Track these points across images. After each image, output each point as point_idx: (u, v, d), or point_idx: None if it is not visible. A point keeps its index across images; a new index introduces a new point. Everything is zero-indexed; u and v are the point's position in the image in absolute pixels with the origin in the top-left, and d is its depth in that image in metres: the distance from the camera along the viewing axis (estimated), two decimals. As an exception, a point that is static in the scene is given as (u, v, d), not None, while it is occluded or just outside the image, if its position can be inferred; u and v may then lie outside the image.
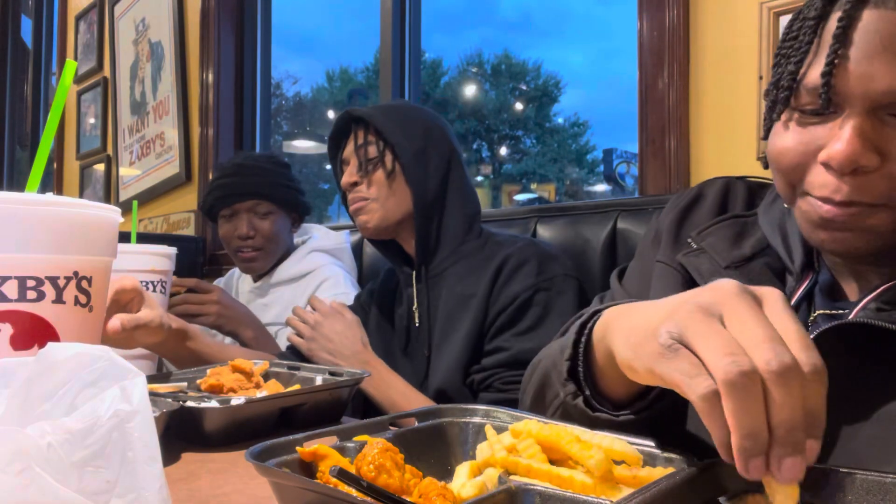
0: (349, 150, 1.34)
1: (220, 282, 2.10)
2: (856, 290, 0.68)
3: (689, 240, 0.77)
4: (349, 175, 1.32)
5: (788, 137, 0.64)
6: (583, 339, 0.64)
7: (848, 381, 0.61)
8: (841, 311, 0.66)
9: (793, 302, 0.69)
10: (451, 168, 1.31)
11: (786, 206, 0.72)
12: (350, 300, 1.66)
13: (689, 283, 0.77)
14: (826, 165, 0.60)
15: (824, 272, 0.70)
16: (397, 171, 1.29)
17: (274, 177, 1.84)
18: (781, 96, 0.64)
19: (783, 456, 0.42)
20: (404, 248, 1.38)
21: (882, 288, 0.63)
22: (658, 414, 0.60)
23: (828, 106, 0.60)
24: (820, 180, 0.61)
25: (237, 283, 2.02)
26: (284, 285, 1.85)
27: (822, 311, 0.67)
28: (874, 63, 0.58)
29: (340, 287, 1.76)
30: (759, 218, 0.77)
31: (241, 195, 1.81)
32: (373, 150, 1.30)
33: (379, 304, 1.46)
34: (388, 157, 1.29)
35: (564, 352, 0.64)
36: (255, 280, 1.93)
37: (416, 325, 1.34)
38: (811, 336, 0.57)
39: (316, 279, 1.79)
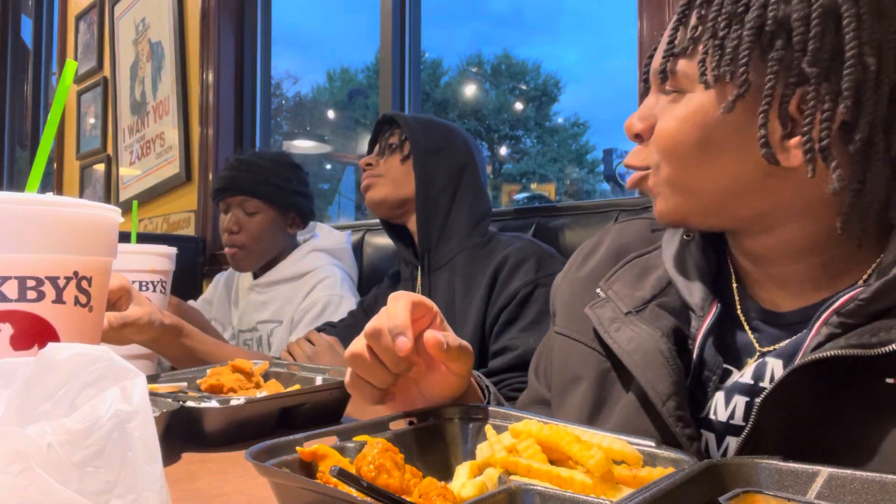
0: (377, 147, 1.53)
1: (221, 276, 2.10)
2: (784, 297, 0.64)
3: (598, 289, 0.73)
4: (368, 158, 1.49)
5: None
6: None
7: (822, 411, 0.56)
8: (792, 338, 0.61)
9: (699, 338, 0.65)
10: (466, 172, 1.44)
11: (685, 236, 0.71)
12: (342, 303, 1.71)
13: (592, 346, 0.72)
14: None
15: (741, 291, 0.66)
16: (410, 160, 1.44)
17: (267, 175, 1.82)
18: None
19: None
20: (412, 235, 1.49)
21: (837, 304, 0.57)
22: None
23: (646, 90, 0.69)
24: None
25: (238, 279, 2.02)
26: (282, 284, 1.85)
27: (771, 347, 0.62)
28: (658, 53, 0.65)
29: (336, 289, 1.76)
30: (661, 251, 0.73)
31: (230, 190, 1.82)
32: (394, 140, 1.48)
33: (384, 303, 1.51)
34: (406, 147, 1.45)
35: None
36: (255, 277, 1.93)
37: None
38: (785, 374, 0.55)
39: (314, 279, 1.79)
